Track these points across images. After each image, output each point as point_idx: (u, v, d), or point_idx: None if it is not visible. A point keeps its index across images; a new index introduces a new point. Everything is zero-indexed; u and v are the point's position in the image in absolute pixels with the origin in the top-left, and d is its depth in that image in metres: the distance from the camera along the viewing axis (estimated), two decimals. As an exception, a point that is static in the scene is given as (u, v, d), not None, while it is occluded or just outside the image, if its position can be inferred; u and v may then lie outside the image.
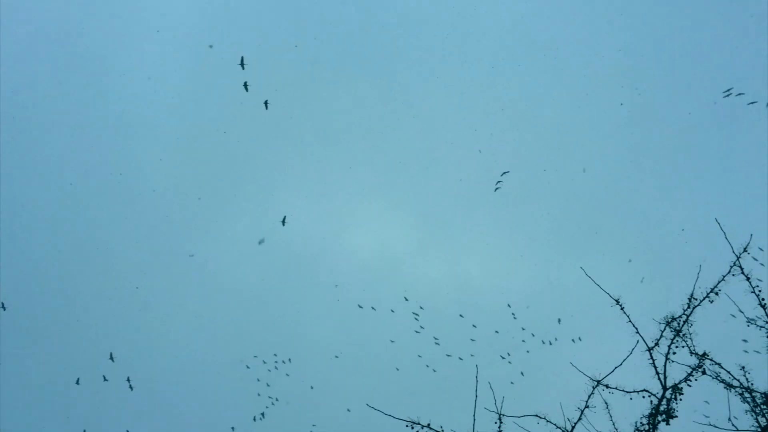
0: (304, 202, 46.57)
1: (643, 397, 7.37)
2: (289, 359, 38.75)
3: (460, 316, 38.64)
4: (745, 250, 7.75)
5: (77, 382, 36.06)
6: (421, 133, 47.13)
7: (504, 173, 36.69)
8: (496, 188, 37.40)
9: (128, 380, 35.76)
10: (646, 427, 7.22)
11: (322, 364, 41.53)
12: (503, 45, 47.23)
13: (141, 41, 46.40)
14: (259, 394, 37.89)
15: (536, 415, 7.43)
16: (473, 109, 47.58)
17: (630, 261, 42.69)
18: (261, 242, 38.21)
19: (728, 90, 35.96)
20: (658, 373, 7.32)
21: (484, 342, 39.09)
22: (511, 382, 37.78)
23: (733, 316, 7.88)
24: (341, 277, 43.22)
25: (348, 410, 37.72)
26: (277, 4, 47.92)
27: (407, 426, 7.68)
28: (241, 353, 40.15)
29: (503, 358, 38.22)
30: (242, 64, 29.23)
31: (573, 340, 36.13)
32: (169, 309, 44.17)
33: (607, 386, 7.34)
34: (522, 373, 38.50)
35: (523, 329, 37.78)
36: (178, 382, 42.77)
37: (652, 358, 7.32)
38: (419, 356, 39.40)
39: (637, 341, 8.15)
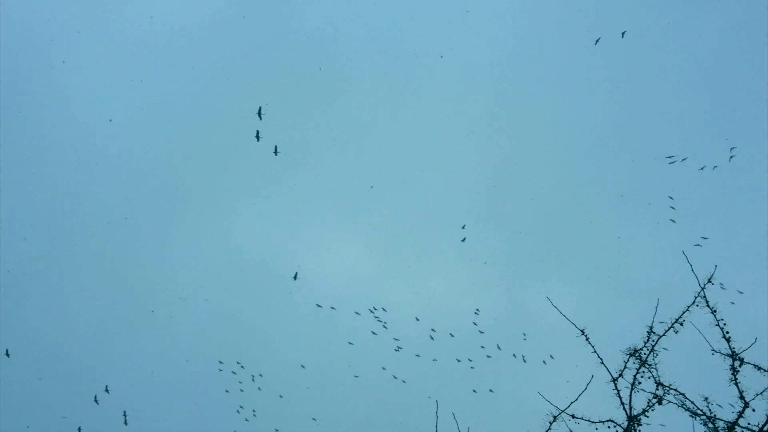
0: (270, 222, 46.36)
1: (609, 427, 7.38)
2: (260, 374, 38.38)
3: (431, 332, 38.56)
4: (709, 281, 7.85)
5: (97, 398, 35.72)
6: (389, 155, 47.35)
7: (463, 226, 37.95)
8: (463, 239, 38.41)
9: (95, 399, 35.07)
10: (612, 458, 7.22)
11: (289, 375, 41.27)
12: (472, 72, 47.90)
13: (106, 64, 46.27)
14: (241, 408, 37.44)
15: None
16: (442, 132, 48.05)
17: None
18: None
19: (672, 156, 38.03)
20: (623, 403, 7.36)
21: (450, 359, 39.24)
22: (474, 390, 37.94)
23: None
24: (309, 294, 42.88)
25: (314, 419, 37.46)
26: (247, 27, 48.11)
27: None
28: (208, 363, 39.69)
29: (471, 374, 38.43)
30: (259, 114, 29.08)
31: (544, 362, 36.26)
32: (138, 321, 43.52)
33: (572, 416, 7.34)
34: (491, 390, 38.58)
35: (483, 347, 37.92)
36: (148, 392, 42.11)
37: (616, 388, 7.35)
38: (383, 368, 39.35)
39: (595, 373, 8.21)
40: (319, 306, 40.64)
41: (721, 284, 7.46)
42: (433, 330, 38.68)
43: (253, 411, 37.23)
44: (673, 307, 8.08)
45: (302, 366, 40.93)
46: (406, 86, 47.57)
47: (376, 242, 46.64)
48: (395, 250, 46.05)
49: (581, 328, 7.43)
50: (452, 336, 38.20)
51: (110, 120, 44.83)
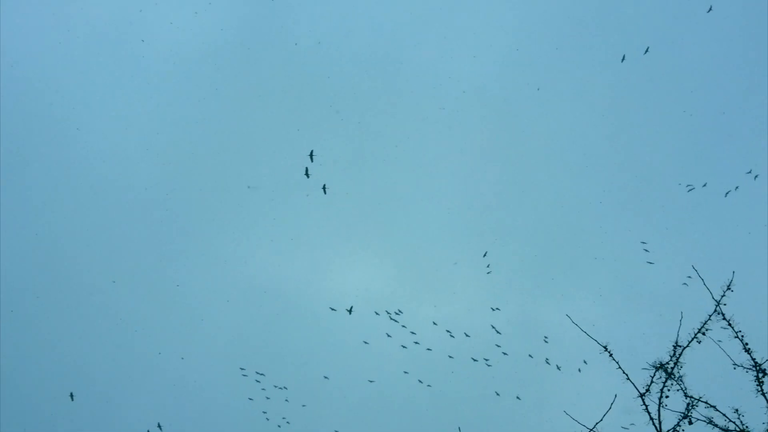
0: (286, 244, 46.40)
1: (638, 444, 7.25)
2: (285, 386, 38.42)
3: (450, 355, 38.30)
4: (728, 288, 7.76)
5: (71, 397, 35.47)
6: (400, 172, 47.48)
7: (485, 254, 37.98)
8: (488, 272, 38.40)
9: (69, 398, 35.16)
10: (644, 476, 7.07)
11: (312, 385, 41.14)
12: (484, 87, 48.20)
13: (114, 92, 46.92)
14: (265, 412, 37.41)
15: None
16: (454, 148, 48.19)
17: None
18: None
19: (690, 185, 38.28)
20: (652, 419, 7.22)
21: (467, 358, 39.02)
22: (497, 393, 37.57)
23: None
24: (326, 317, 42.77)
25: None
26: (250, 46, 48.68)
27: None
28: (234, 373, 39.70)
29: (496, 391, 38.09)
30: (311, 156, 30.09)
31: (579, 369, 35.64)
32: (157, 338, 43.64)
33: (601, 435, 7.22)
34: (518, 398, 38.25)
35: (505, 353, 37.60)
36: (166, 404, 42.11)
37: (644, 403, 7.22)
38: (405, 372, 39.19)
39: (619, 388, 8.09)
40: (333, 309, 40.57)
41: (729, 288, 7.34)
42: (450, 333, 38.40)
43: (286, 420, 37.31)
44: (695, 317, 7.99)
45: (325, 377, 40.78)
46: (416, 100, 47.95)
47: (393, 260, 46.53)
48: (412, 267, 45.88)
49: (604, 345, 7.34)
50: (467, 336, 37.88)
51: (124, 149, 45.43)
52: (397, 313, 37.59)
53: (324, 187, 31.76)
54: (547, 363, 36.24)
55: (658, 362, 7.23)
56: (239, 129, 48.27)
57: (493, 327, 37.70)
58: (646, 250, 39.82)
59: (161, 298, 44.56)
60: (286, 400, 38.27)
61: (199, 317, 44.32)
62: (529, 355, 36.82)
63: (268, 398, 38.52)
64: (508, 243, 45.82)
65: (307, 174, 30.87)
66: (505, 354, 37.52)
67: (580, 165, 47.49)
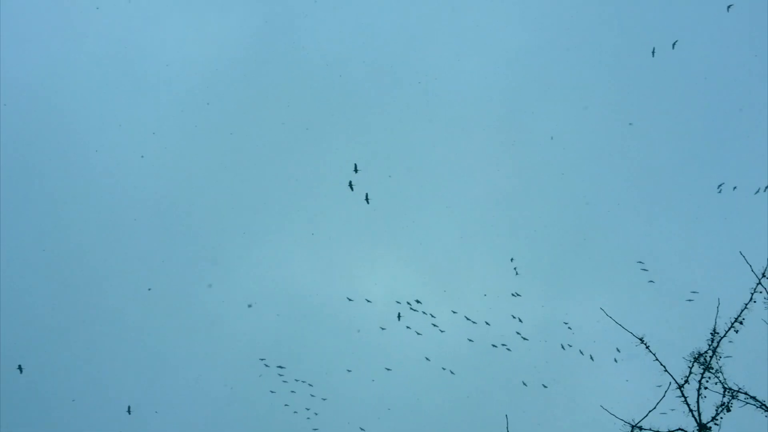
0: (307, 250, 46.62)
1: (679, 436, 7.16)
2: (310, 384, 38.78)
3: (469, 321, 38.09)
4: (764, 275, 7.64)
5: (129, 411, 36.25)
6: (419, 172, 47.49)
7: (512, 260, 37.85)
8: (516, 272, 38.11)
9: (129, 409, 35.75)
10: (686, 468, 6.99)
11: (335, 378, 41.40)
12: (499, 85, 48.06)
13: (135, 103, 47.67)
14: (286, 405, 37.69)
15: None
16: (473, 143, 48.06)
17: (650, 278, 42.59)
18: (250, 306, 38.17)
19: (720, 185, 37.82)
20: (691, 410, 7.14)
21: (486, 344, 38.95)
22: (524, 383, 37.42)
23: None
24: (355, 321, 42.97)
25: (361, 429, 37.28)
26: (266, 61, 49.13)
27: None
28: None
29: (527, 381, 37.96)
30: (356, 169, 31.07)
31: (615, 360, 35.23)
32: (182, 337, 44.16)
33: (640, 428, 7.14)
34: (544, 386, 38.07)
35: (524, 338, 37.49)
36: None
37: (683, 395, 7.14)
38: (427, 359, 39.15)
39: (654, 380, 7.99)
40: (350, 300, 40.81)
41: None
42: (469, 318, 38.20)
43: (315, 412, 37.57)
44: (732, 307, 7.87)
45: (348, 370, 40.92)
46: (430, 101, 47.93)
47: (413, 260, 46.55)
48: (434, 268, 45.77)
49: (640, 336, 7.27)
50: (488, 324, 37.66)
51: (142, 156, 46.07)
52: (417, 302, 37.59)
53: (366, 197, 32.54)
54: (581, 354, 35.83)
55: (696, 352, 7.14)
56: (259, 136, 48.71)
57: (514, 316, 37.39)
58: (645, 269, 39.56)
59: (192, 300, 44.94)
60: (312, 395, 38.43)
61: (224, 319, 44.45)
62: (562, 346, 36.44)
63: (293, 392, 38.69)
64: (531, 238, 45.55)
65: (351, 186, 31.39)
66: (525, 339, 37.22)
67: (601, 159, 47.10)
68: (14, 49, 46.63)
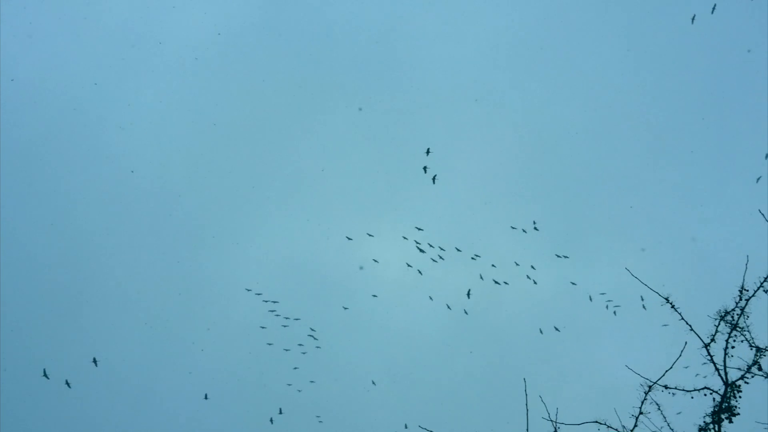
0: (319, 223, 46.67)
1: (705, 395, 7.15)
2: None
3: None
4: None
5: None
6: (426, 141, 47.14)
7: (534, 223, 37.07)
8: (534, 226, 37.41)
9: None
10: (712, 426, 6.99)
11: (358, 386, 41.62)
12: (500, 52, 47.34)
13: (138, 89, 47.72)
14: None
15: (596, 422, 7.25)
16: (479, 114, 47.61)
17: (643, 250, 42.10)
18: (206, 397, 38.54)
19: None
20: (717, 369, 7.11)
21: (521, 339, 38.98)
22: (540, 330, 37.35)
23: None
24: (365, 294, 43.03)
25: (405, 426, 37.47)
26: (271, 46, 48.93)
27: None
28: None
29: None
30: (427, 152, 32.51)
31: (643, 306, 34.78)
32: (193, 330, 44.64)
33: (665, 387, 7.14)
34: (556, 328, 37.89)
35: (558, 330, 37.16)
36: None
37: (709, 354, 7.11)
38: (443, 343, 39.28)
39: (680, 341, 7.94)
40: (361, 268, 40.80)
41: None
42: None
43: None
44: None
45: (345, 307, 41.03)
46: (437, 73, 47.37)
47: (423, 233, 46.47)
48: (446, 238, 45.71)
49: (665, 296, 7.22)
50: (497, 283, 37.24)
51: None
52: (434, 248, 37.10)
53: (434, 178, 33.41)
54: (607, 308, 35.54)
55: (722, 311, 7.09)
56: (265, 119, 48.80)
57: (529, 277, 36.89)
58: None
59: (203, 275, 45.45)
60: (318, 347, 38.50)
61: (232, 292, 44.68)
62: (589, 297, 36.11)
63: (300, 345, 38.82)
64: (546, 201, 45.24)
65: (425, 170, 32.71)
66: (535, 283, 36.72)
67: (614, 114, 46.35)
68: (17, 37, 46.76)
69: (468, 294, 35.59)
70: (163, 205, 46.89)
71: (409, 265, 37.74)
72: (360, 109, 46.11)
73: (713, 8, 35.43)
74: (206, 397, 36.40)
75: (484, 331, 41.66)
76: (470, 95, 47.45)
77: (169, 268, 45.76)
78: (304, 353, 38.29)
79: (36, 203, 45.30)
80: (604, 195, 46.14)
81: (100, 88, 46.75)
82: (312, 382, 38.30)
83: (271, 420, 34.58)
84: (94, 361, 35.37)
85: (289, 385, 38.26)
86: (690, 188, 44.98)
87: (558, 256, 36.70)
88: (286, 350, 38.48)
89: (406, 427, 29.75)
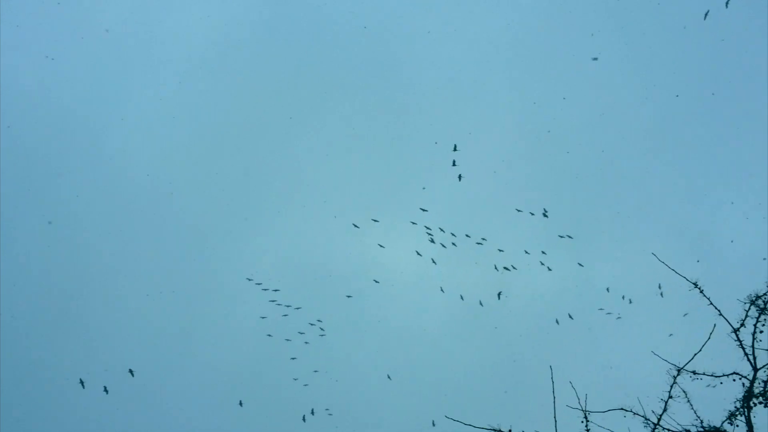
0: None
1: (734, 380, 7.07)
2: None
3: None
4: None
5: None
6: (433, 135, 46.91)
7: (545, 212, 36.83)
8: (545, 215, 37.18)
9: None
10: (742, 411, 6.90)
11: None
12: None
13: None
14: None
15: (622, 409, 7.18)
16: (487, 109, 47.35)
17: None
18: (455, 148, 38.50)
19: None
20: (746, 354, 7.02)
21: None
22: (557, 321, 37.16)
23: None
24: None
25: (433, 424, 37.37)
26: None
27: (489, 433, 7.50)
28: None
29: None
30: (455, 149, 33.03)
31: (661, 293, 34.51)
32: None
33: (694, 372, 7.06)
34: (571, 316, 37.63)
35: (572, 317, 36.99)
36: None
37: (738, 339, 7.01)
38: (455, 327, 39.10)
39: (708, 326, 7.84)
40: (355, 226, 40.33)
41: None
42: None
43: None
44: None
45: (348, 296, 40.98)
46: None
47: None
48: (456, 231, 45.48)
49: (693, 281, 7.13)
50: (507, 269, 37.06)
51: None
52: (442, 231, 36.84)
53: (460, 176, 33.79)
54: (623, 299, 35.36)
55: (753, 295, 6.99)
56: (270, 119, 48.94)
57: (542, 263, 36.64)
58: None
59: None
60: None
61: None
62: (607, 289, 35.95)
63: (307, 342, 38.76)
64: (554, 188, 44.90)
65: (454, 163, 33.12)
66: (549, 269, 36.49)
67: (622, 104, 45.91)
68: (16, 35, 47.00)
69: (499, 295, 35.66)
70: (163, 204, 47.19)
71: (418, 254, 37.62)
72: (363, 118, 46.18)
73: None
74: (241, 404, 36.37)
75: (499, 321, 41.58)
76: (477, 81, 47.23)
77: (173, 266, 46.00)
78: (306, 343, 38.40)
79: (38, 204, 45.75)
80: (615, 182, 45.77)
81: (104, 85, 46.96)
82: (315, 371, 38.42)
83: (304, 418, 34.79)
84: (131, 372, 35.61)
85: (295, 379, 38.43)
86: (703, 177, 44.54)
87: (561, 237, 36.31)
88: (287, 340, 38.54)
89: (433, 424, 29.74)
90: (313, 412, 35.02)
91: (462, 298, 38.19)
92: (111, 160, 47.03)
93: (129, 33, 47.81)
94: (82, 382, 35.05)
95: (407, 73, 47.86)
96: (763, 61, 42.33)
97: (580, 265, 37.74)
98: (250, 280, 38.93)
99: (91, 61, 47.89)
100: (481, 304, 37.02)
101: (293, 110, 48.92)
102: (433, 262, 36.99)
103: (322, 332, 38.47)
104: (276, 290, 38.32)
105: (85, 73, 47.58)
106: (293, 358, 38.33)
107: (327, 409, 37.21)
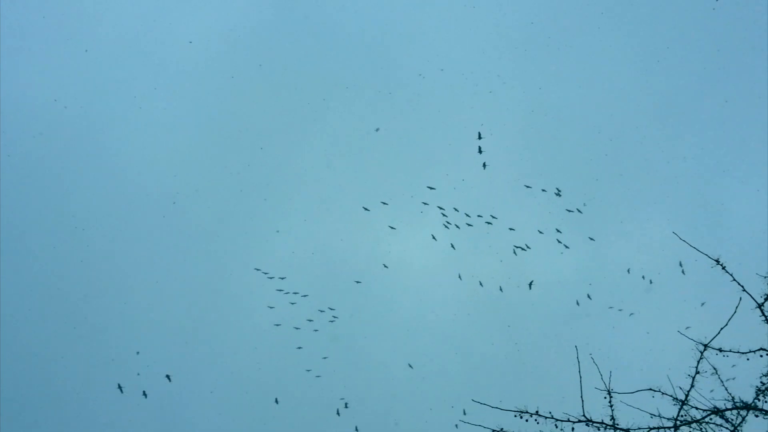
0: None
1: (761, 356, 7.05)
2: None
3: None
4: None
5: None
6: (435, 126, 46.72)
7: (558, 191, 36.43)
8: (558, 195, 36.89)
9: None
10: (769, 387, 6.91)
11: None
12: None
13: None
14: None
15: (650, 389, 7.21)
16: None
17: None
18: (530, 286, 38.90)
19: None
20: (772, 329, 7.01)
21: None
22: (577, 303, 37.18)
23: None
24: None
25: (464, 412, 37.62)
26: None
27: (515, 416, 7.57)
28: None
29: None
30: (479, 137, 33.30)
31: (683, 271, 34.21)
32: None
33: (720, 350, 7.07)
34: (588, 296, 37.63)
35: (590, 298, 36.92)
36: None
37: (763, 314, 7.00)
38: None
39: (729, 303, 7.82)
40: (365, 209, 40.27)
41: None
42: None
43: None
44: None
45: (357, 283, 41.06)
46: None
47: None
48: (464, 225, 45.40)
49: (715, 258, 7.12)
50: (519, 249, 36.99)
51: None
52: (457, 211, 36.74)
53: (484, 164, 33.72)
54: (643, 278, 35.21)
55: (777, 270, 6.96)
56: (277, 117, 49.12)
57: (560, 241, 36.44)
58: None
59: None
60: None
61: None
62: (627, 270, 35.80)
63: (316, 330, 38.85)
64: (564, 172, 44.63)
65: (480, 150, 33.11)
66: (567, 247, 36.33)
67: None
68: (20, 38, 47.41)
69: (530, 285, 35.67)
70: (164, 205, 47.61)
71: (434, 237, 37.57)
72: (377, 130, 45.96)
73: None
74: (277, 402, 36.69)
75: (517, 305, 41.55)
76: (482, 67, 46.93)
77: (181, 262, 46.39)
78: (315, 330, 38.57)
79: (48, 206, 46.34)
80: (630, 160, 45.37)
81: (111, 91, 47.38)
82: (325, 358, 38.55)
83: (338, 412, 35.08)
84: (168, 377, 36.14)
85: (309, 370, 38.63)
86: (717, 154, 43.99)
87: (569, 211, 35.98)
88: (296, 328, 38.73)
89: (465, 413, 29.82)
90: (347, 405, 35.31)
91: (481, 284, 38.25)
92: (117, 159, 47.62)
93: (133, 37, 48.22)
94: (144, 393, 35.91)
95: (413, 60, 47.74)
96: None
97: (591, 239, 37.49)
98: (257, 270, 39.10)
99: (93, 63, 48.36)
100: (501, 289, 37.04)
101: (299, 103, 49.07)
102: (452, 247, 36.99)
103: (333, 319, 38.68)
104: (282, 278, 38.55)
105: (88, 75, 48.10)
106: (299, 347, 38.60)
107: (342, 399, 37.58)
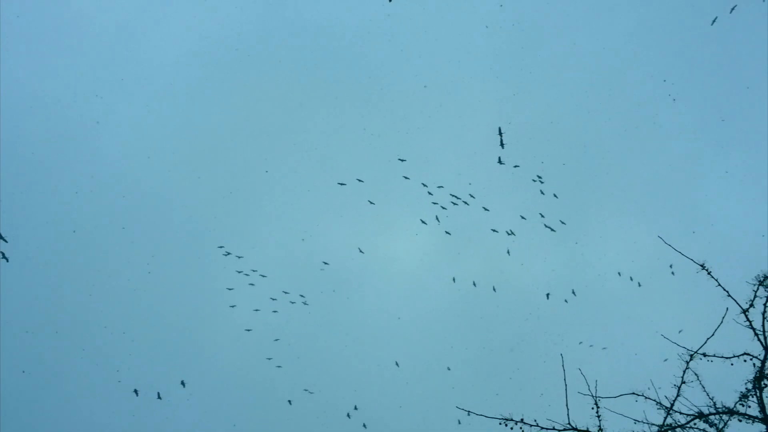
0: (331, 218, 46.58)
1: (744, 361, 7.02)
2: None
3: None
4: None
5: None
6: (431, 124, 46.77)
7: (539, 177, 36.24)
8: (540, 182, 36.73)
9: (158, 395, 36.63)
10: (753, 392, 6.87)
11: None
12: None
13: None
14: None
15: (633, 393, 7.14)
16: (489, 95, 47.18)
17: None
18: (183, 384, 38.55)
19: None
20: (756, 334, 6.97)
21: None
22: (566, 300, 37.20)
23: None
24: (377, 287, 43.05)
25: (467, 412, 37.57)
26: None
27: (500, 423, 7.46)
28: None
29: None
30: (500, 132, 32.48)
31: (672, 272, 34.40)
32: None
33: (704, 354, 7.02)
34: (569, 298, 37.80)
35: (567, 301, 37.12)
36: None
37: (748, 319, 6.96)
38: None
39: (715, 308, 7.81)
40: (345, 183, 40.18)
41: None
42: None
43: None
44: None
45: (398, 318, 41.39)
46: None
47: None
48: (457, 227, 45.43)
49: (701, 263, 7.07)
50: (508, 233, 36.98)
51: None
52: (441, 187, 36.70)
53: (499, 159, 33.52)
54: (631, 280, 35.50)
55: (761, 275, 6.93)
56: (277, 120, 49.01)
57: (548, 226, 36.40)
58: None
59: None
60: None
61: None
62: (618, 273, 36.01)
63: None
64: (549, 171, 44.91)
65: (501, 144, 32.70)
66: (553, 230, 36.43)
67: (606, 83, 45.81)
68: (17, 43, 46.68)
69: (547, 296, 35.74)
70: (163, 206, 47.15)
71: (423, 222, 37.57)
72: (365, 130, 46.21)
73: None
74: (290, 403, 36.55)
75: (503, 305, 41.66)
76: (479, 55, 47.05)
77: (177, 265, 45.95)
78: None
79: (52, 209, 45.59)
80: (614, 161, 45.78)
81: (105, 94, 46.87)
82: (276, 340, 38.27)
83: (348, 415, 34.88)
84: (182, 383, 35.90)
85: (279, 366, 38.71)
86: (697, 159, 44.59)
87: (542, 193, 35.84)
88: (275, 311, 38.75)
89: (459, 422, 29.70)
90: (356, 408, 35.18)
91: (474, 284, 38.27)
92: (107, 159, 47.11)
93: (126, 37, 47.75)
94: (159, 395, 35.50)
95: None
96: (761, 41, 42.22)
97: (563, 222, 37.55)
98: (221, 247, 39.19)
99: (88, 64, 47.79)
100: (494, 290, 37.19)
101: (286, 104, 48.90)
102: (447, 233, 37.05)
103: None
104: (240, 257, 38.60)
105: (81, 76, 47.52)
106: (276, 340, 38.61)
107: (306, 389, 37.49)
